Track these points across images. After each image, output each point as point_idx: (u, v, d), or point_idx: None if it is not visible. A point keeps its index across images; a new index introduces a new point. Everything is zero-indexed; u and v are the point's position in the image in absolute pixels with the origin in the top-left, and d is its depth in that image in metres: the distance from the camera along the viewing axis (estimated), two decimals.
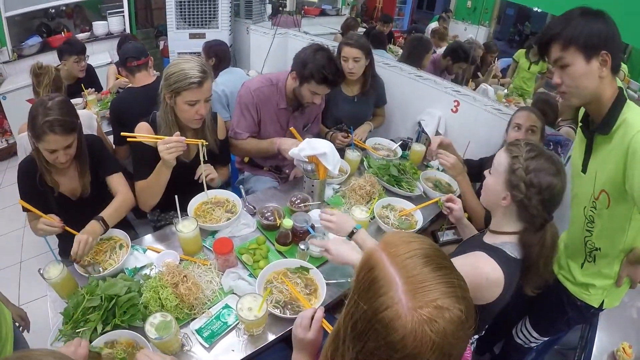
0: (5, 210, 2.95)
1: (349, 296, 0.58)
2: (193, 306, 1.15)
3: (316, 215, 1.45)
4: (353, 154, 1.88)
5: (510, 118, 1.71)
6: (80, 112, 1.95)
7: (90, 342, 1.01)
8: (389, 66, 2.48)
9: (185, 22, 3.56)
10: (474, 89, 2.57)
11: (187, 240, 1.34)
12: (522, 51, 3.41)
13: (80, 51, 2.61)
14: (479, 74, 3.25)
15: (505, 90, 2.94)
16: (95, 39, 4.03)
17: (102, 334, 1.04)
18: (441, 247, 1.53)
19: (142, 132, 1.49)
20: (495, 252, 1.01)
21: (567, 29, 1.01)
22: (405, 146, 2.14)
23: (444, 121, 2.22)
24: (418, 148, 2.02)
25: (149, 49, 5.00)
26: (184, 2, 3.46)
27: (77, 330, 1.05)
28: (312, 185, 1.59)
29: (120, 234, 1.43)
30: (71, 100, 2.57)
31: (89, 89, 2.71)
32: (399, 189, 1.75)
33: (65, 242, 1.60)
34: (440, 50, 3.17)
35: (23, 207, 1.31)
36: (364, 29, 3.24)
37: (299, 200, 1.57)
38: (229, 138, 1.81)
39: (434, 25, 2.87)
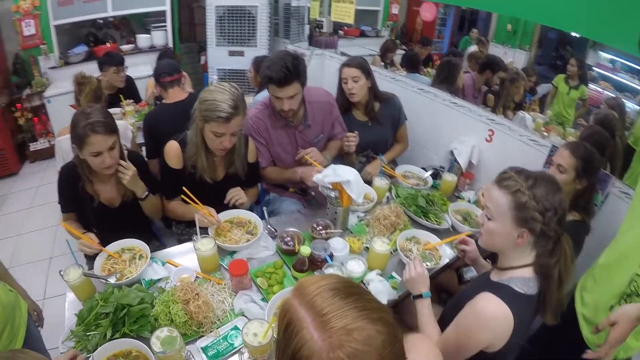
0: (44, 207, 3.39)
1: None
2: (202, 324, 1.25)
3: (336, 243, 1.53)
4: (381, 182, 1.97)
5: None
6: (117, 122, 2.22)
7: (98, 346, 1.13)
8: (423, 91, 2.59)
9: (224, 39, 3.91)
10: (512, 118, 2.59)
11: (204, 259, 1.47)
12: (561, 76, 3.38)
13: (118, 63, 2.97)
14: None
15: (545, 118, 2.94)
16: (138, 51, 4.50)
17: (110, 340, 1.17)
18: (466, 284, 1.56)
19: (172, 153, 1.70)
20: (501, 290, 1.04)
21: None
22: (436, 175, 2.20)
23: (477, 151, 2.27)
24: (449, 178, 2.07)
25: (191, 63, 5.52)
26: (224, 19, 3.81)
27: (87, 333, 1.18)
28: (335, 213, 1.68)
29: (141, 245, 1.59)
30: (110, 109, 2.91)
31: (128, 100, 3.01)
32: (426, 220, 1.79)
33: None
34: None
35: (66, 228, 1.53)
36: (404, 51, 3.38)
37: (320, 227, 1.66)
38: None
39: (473, 48, 2.97)
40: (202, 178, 1.72)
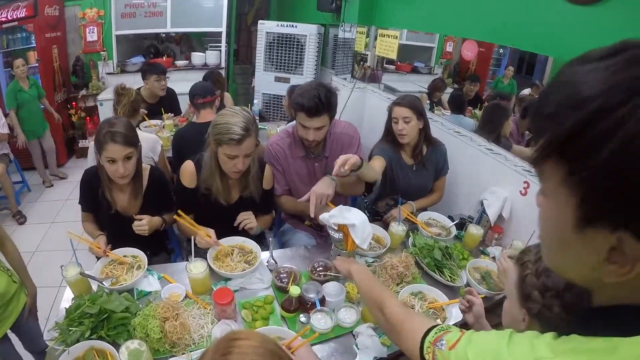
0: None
1: None
2: (175, 344, 1.30)
3: (332, 287, 1.53)
4: (397, 228, 1.94)
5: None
6: (146, 135, 2.47)
7: (78, 341, 1.25)
8: (459, 134, 2.57)
9: (272, 64, 4.16)
10: None
11: (194, 281, 1.54)
12: None
13: (160, 71, 3.28)
14: None
15: None
16: (192, 67, 4.92)
17: (87, 339, 1.27)
18: None
19: (187, 173, 1.83)
20: None
21: None
22: (462, 226, 2.12)
23: (509, 204, 2.17)
24: (474, 231, 2.00)
25: (243, 84, 5.90)
26: (273, 46, 4.07)
27: (70, 328, 1.29)
28: (339, 256, 1.68)
29: (141, 256, 1.70)
30: (150, 121, 3.18)
31: (169, 113, 3.26)
32: (440, 276, 1.74)
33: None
34: None
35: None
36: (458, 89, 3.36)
37: (321, 268, 1.67)
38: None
39: (526, 92, 2.92)
40: (217, 200, 1.83)
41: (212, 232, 1.73)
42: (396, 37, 3.04)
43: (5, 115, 3.70)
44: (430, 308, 1.56)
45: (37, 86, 3.98)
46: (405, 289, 1.61)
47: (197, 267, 1.54)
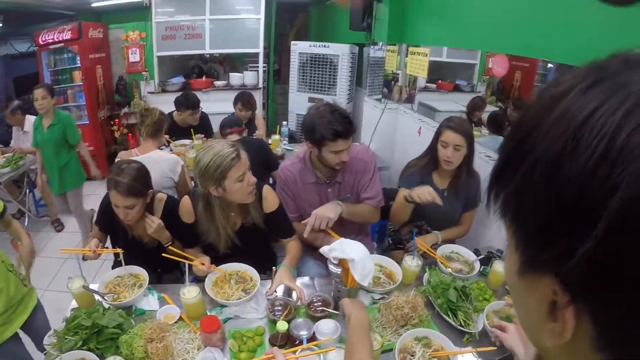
0: None
1: None
2: None
3: (326, 325, 1.53)
4: (411, 262, 1.88)
5: None
6: (167, 156, 2.65)
7: (71, 349, 1.40)
8: (490, 159, 2.47)
9: (306, 85, 4.31)
10: None
11: (187, 306, 1.63)
12: None
13: (193, 105, 3.54)
14: None
15: None
16: (230, 88, 5.23)
17: (78, 349, 1.41)
18: None
19: (184, 209, 1.91)
20: None
21: None
22: (489, 260, 2.00)
23: None
24: (500, 269, 1.87)
25: (283, 103, 6.16)
26: (307, 66, 4.22)
27: (66, 337, 1.44)
28: (338, 292, 1.68)
29: (144, 275, 1.83)
30: (180, 141, 3.41)
31: (198, 134, 3.48)
32: (452, 319, 1.65)
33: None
34: None
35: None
36: (498, 109, 3.27)
37: (319, 303, 1.67)
38: None
39: None
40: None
41: (206, 259, 1.82)
42: (426, 55, 3.04)
43: None
44: (433, 357, 1.48)
45: (63, 127, 3.36)
46: (408, 333, 1.55)
47: (190, 292, 1.62)
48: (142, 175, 1.83)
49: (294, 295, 1.70)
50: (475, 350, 1.52)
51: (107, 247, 2.01)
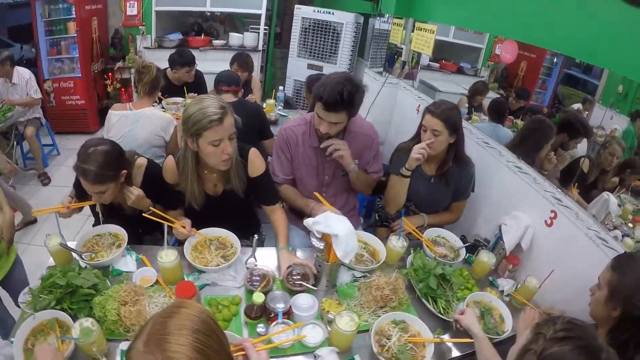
0: None
1: None
2: (129, 329, 1.36)
3: (304, 300, 1.51)
4: (397, 242, 1.86)
5: None
6: (160, 114, 2.58)
7: (45, 309, 1.37)
8: (487, 146, 2.40)
9: (306, 51, 4.18)
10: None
11: (164, 270, 1.60)
12: None
13: (189, 62, 3.40)
14: None
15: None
16: (228, 48, 5.07)
17: (52, 308, 1.38)
18: None
19: (168, 169, 1.83)
20: None
21: None
22: (475, 249, 1.99)
23: (531, 233, 2.00)
24: (485, 258, 1.87)
25: (282, 68, 6.00)
26: (309, 32, 4.08)
27: (40, 295, 1.41)
28: (319, 267, 1.65)
29: (124, 235, 1.78)
30: (172, 99, 3.31)
31: (191, 93, 3.36)
32: (432, 306, 1.64)
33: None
34: None
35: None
36: (499, 96, 3.23)
37: (298, 276, 1.64)
38: None
39: (576, 107, 2.71)
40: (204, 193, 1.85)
41: (187, 222, 1.77)
42: (433, 32, 2.92)
43: (44, 81, 3.96)
44: (409, 342, 1.46)
45: None
46: (386, 315, 1.53)
47: (167, 256, 1.59)
48: (111, 159, 1.64)
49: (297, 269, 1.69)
50: (451, 340, 1.52)
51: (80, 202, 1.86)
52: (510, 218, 2.09)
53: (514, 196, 2.18)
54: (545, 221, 1.95)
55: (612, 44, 1.75)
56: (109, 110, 2.59)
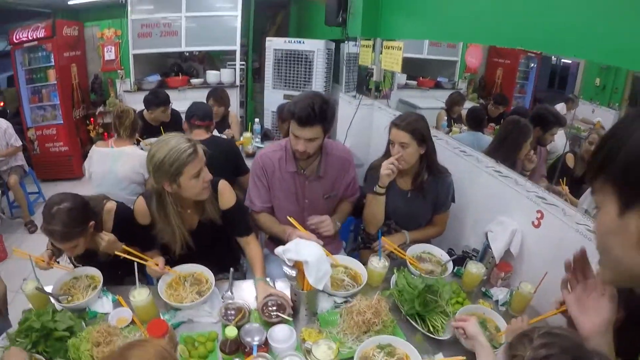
0: None
1: None
2: None
3: (280, 331, 1.46)
4: (378, 264, 1.81)
5: None
6: (139, 152, 2.68)
7: None
8: (464, 154, 2.39)
9: (281, 82, 4.26)
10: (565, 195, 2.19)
11: (138, 308, 1.57)
12: None
13: (164, 102, 3.45)
14: None
15: None
16: (206, 86, 5.15)
17: (29, 351, 1.37)
18: None
19: (139, 211, 1.82)
20: None
21: None
22: (462, 261, 1.93)
23: (519, 237, 1.95)
24: (474, 270, 1.80)
25: (260, 101, 6.09)
26: (282, 63, 4.17)
27: (17, 339, 1.42)
28: (295, 294, 1.62)
29: (99, 277, 1.76)
30: (149, 140, 3.34)
31: (169, 132, 3.38)
32: (421, 326, 1.57)
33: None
34: None
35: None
36: (479, 105, 3.25)
37: (274, 307, 1.59)
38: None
39: (559, 107, 2.72)
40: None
41: (160, 260, 1.75)
42: (400, 48, 2.97)
43: (27, 129, 3.97)
44: None
45: None
46: (369, 340, 1.46)
47: (140, 294, 1.56)
48: (76, 215, 1.63)
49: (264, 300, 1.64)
50: (443, 359, 1.45)
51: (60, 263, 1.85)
52: (495, 224, 2.05)
53: (498, 201, 2.14)
54: (533, 222, 1.91)
55: (581, 33, 1.73)
56: (92, 146, 2.69)
